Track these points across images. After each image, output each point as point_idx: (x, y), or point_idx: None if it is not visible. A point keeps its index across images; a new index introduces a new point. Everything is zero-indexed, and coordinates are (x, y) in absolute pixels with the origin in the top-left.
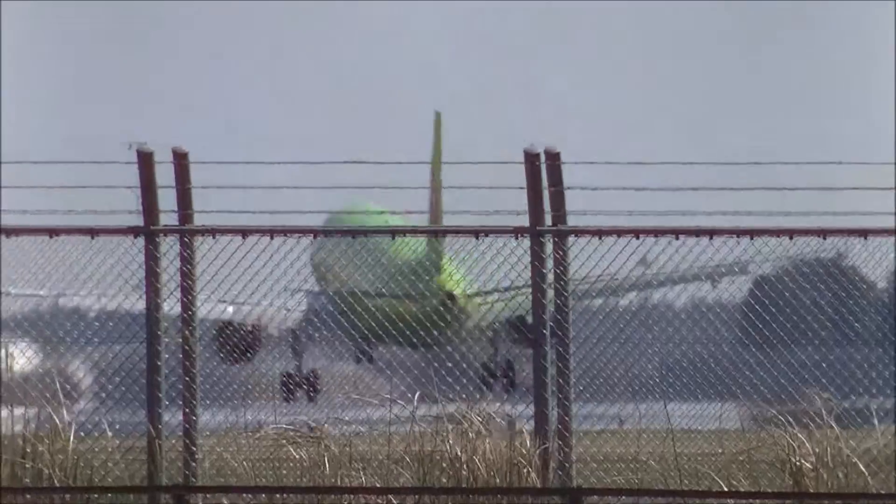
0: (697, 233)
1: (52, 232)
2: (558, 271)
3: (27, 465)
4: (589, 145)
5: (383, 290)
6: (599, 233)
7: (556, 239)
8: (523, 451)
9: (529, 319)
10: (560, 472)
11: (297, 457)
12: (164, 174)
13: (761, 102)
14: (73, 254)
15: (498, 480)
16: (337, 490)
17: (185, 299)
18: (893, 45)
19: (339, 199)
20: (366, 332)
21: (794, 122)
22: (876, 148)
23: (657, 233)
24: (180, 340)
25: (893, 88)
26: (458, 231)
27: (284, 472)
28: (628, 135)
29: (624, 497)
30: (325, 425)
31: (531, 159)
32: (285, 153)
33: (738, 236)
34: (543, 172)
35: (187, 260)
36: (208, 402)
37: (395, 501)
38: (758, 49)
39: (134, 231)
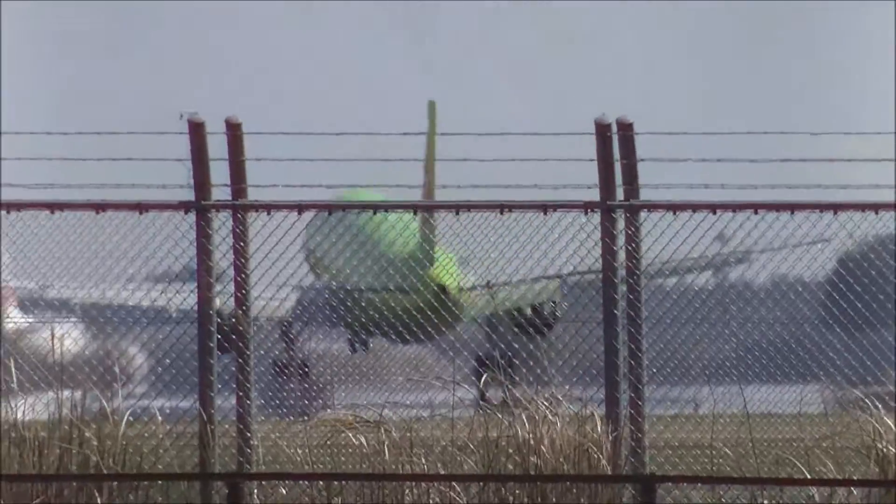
0: (778, 207)
1: (99, 207)
2: (630, 248)
3: (74, 451)
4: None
5: (375, 284)
6: (674, 207)
7: (629, 214)
8: (594, 436)
9: (528, 311)
10: (632, 459)
11: (356, 443)
12: (216, 147)
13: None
14: (120, 230)
15: (567, 467)
16: (397, 477)
17: (238, 278)
18: (894, 45)
19: (399, 170)
20: (359, 323)
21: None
22: None
23: (735, 207)
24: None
25: (894, 88)
26: (525, 206)
27: (343, 458)
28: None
29: (699, 485)
30: (385, 410)
31: (602, 130)
32: (346, 125)
33: (820, 211)
34: (615, 144)
35: (241, 237)
36: (262, 385)
37: (458, 489)
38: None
39: (185, 206)
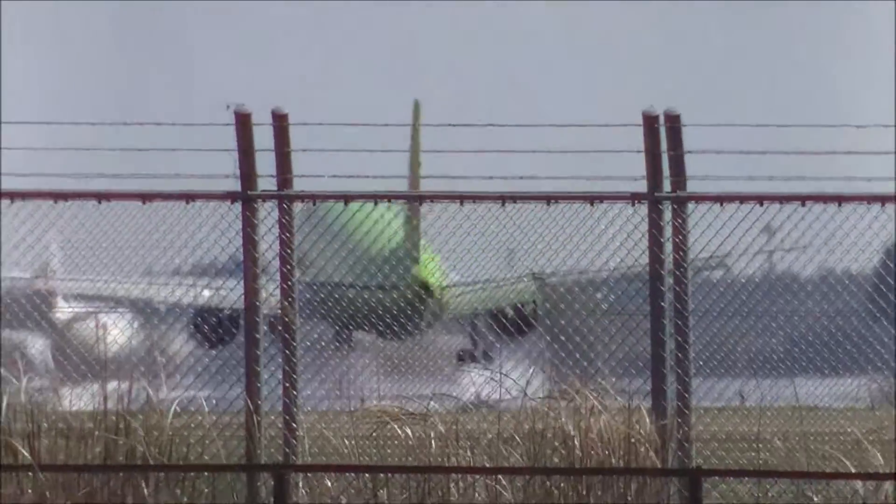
0: (825, 199)
1: (146, 198)
2: (677, 240)
3: (120, 442)
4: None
5: (357, 281)
6: (721, 199)
7: (676, 206)
8: (640, 429)
9: (510, 312)
10: (678, 452)
11: (402, 435)
12: (261, 137)
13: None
14: (168, 220)
15: (613, 460)
16: (443, 469)
17: (283, 269)
18: (894, 45)
19: (443, 161)
20: (342, 320)
21: None
22: None
23: (782, 199)
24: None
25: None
26: (572, 197)
27: (389, 450)
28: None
29: (745, 478)
30: (431, 402)
31: (649, 122)
32: (387, 116)
33: (868, 203)
34: (662, 136)
35: (286, 227)
36: (308, 376)
37: (504, 482)
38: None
39: (231, 196)
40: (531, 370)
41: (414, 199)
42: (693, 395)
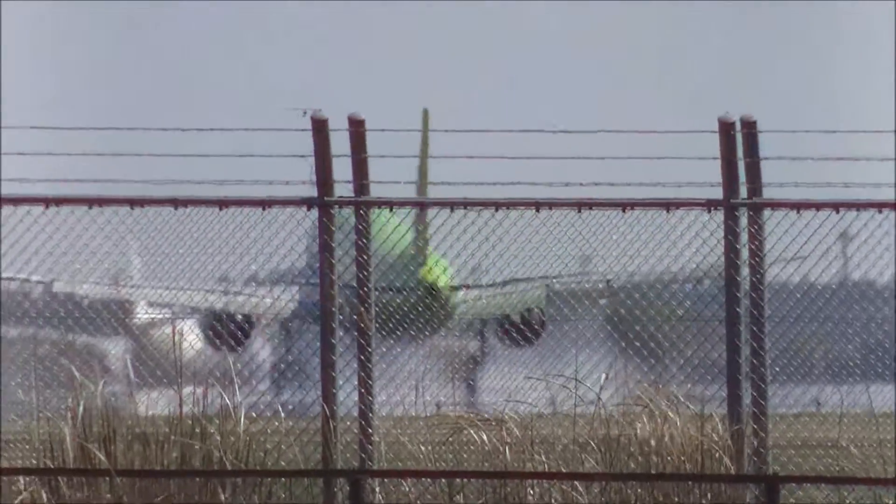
0: None
1: (223, 204)
2: (753, 247)
3: (197, 447)
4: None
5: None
6: (797, 206)
7: (752, 212)
8: (714, 435)
9: (516, 318)
10: (755, 458)
11: (478, 440)
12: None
13: None
14: (244, 226)
15: (689, 466)
16: (519, 475)
17: (360, 275)
18: (894, 45)
19: (523, 167)
20: (348, 324)
21: None
22: None
23: (859, 206)
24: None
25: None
26: (648, 204)
27: (464, 456)
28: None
29: (822, 485)
30: (507, 408)
31: (726, 128)
32: (467, 122)
33: None
34: (738, 142)
35: (363, 233)
36: (384, 381)
37: (580, 488)
38: None
39: (307, 203)
40: (605, 376)
41: (490, 206)
42: (769, 401)
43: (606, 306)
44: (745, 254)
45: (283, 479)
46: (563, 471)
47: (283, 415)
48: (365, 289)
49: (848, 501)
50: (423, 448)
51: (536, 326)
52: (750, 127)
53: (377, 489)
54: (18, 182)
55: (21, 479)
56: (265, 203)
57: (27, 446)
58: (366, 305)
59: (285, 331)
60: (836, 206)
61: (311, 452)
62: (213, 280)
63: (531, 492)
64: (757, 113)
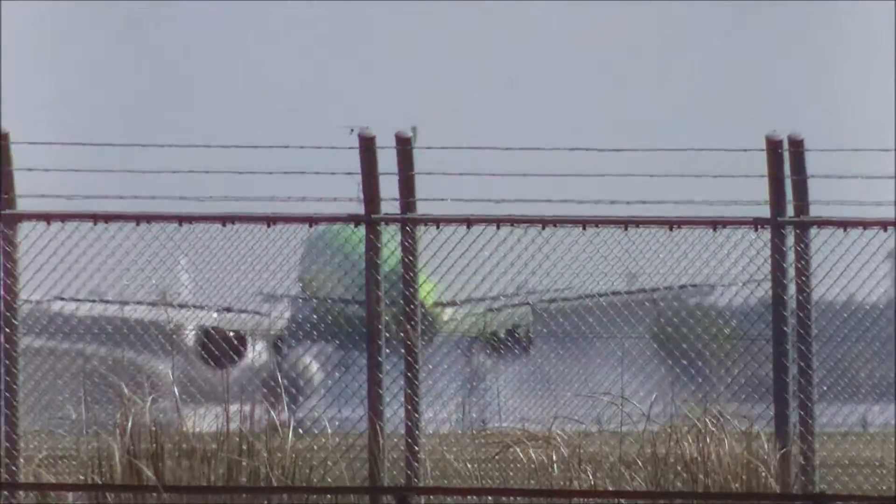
0: None
1: (270, 220)
2: (800, 265)
3: (244, 463)
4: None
5: (354, 298)
6: (844, 224)
7: (798, 230)
8: (761, 454)
9: (502, 335)
10: (801, 477)
11: (525, 458)
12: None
13: None
14: (291, 243)
15: (735, 485)
16: (566, 493)
17: (407, 292)
18: (894, 45)
19: (567, 184)
20: (342, 339)
21: None
22: None
23: None
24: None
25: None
26: (695, 222)
27: (511, 473)
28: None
29: None
30: (553, 426)
31: (773, 146)
32: (510, 139)
33: None
34: (786, 160)
35: (410, 250)
36: (431, 398)
37: None
38: None
39: (355, 219)
40: (654, 395)
41: (537, 223)
42: (816, 420)
43: (652, 324)
44: (791, 272)
45: (329, 495)
46: (610, 489)
47: (329, 431)
48: (412, 306)
49: None
50: (468, 465)
51: (524, 343)
52: (797, 145)
53: None
54: (56, 198)
55: (69, 494)
56: (312, 220)
57: (75, 462)
58: (412, 323)
59: (275, 346)
60: (883, 225)
61: (357, 469)
62: (261, 297)
63: None
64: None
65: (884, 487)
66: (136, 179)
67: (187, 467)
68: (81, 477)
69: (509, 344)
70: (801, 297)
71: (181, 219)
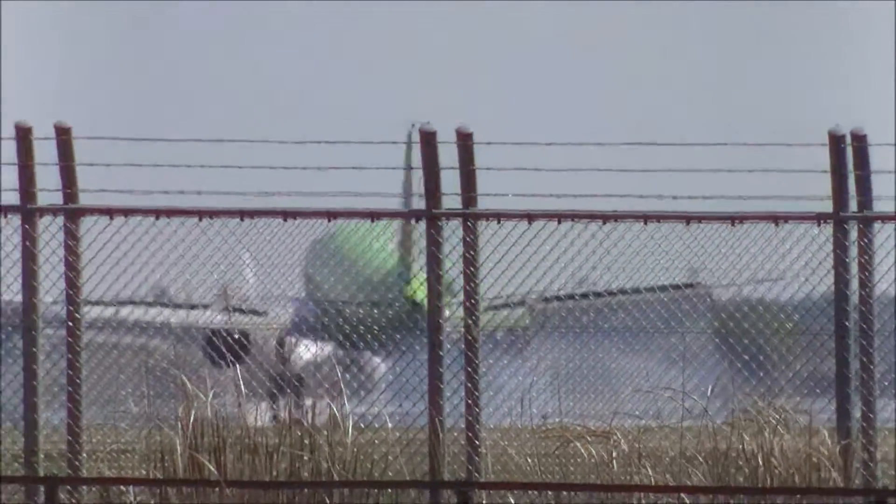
0: None
1: (331, 215)
2: (863, 260)
3: (305, 458)
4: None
5: (355, 298)
6: None
7: (861, 225)
8: (823, 449)
9: (498, 335)
10: (863, 472)
11: (585, 453)
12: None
13: None
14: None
15: (797, 479)
16: (626, 488)
17: (467, 287)
18: (894, 45)
19: (628, 179)
20: (342, 337)
21: None
22: None
23: None
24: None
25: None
26: (757, 217)
27: (571, 468)
28: None
29: None
30: (613, 421)
31: (836, 141)
32: (570, 134)
33: None
34: (849, 155)
35: (471, 245)
36: (491, 393)
37: (687, 501)
38: None
39: (416, 215)
40: (714, 390)
41: (598, 218)
42: (878, 414)
43: (713, 319)
44: (854, 268)
45: (389, 490)
46: (671, 484)
47: (390, 426)
48: (472, 300)
49: None
50: (529, 460)
51: (520, 344)
52: (860, 140)
53: (484, 500)
54: (118, 193)
55: (130, 488)
56: (374, 215)
57: (136, 456)
58: (473, 318)
59: (278, 345)
60: None
61: (417, 463)
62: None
63: None
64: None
65: None
66: (196, 175)
67: (249, 462)
68: (143, 471)
69: (508, 343)
70: (863, 293)
71: (243, 214)
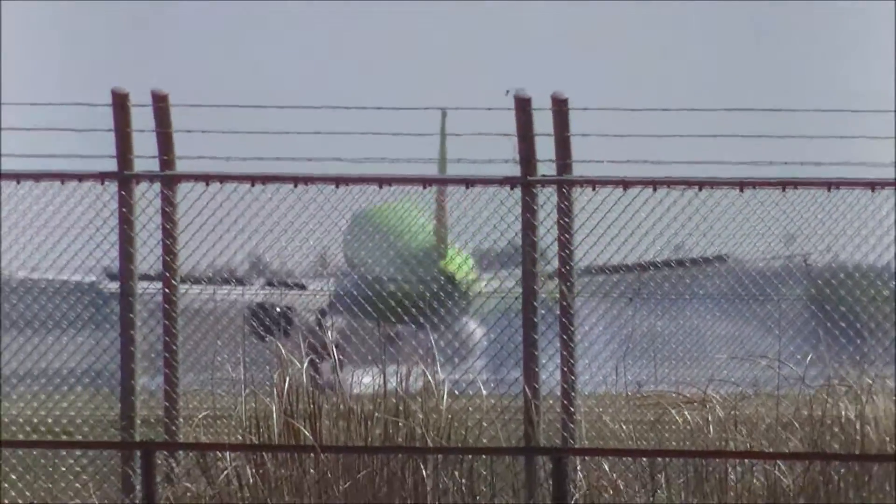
0: None
1: (426, 182)
2: None
3: (400, 424)
4: None
5: (395, 275)
6: None
7: None
8: None
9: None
10: None
11: (680, 420)
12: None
13: None
14: (448, 205)
15: (893, 446)
16: (722, 454)
17: (562, 253)
18: (893, 45)
19: (722, 145)
20: (379, 314)
21: None
22: None
23: None
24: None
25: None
26: (853, 183)
27: (666, 435)
28: None
29: None
30: (709, 389)
31: None
32: (664, 100)
33: None
34: None
35: (566, 212)
36: (586, 361)
37: (783, 467)
38: None
39: (510, 181)
40: (810, 357)
41: (694, 185)
42: None
43: (809, 286)
44: None
45: (484, 456)
46: (767, 450)
47: (484, 392)
48: (567, 267)
49: None
50: (623, 427)
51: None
52: None
53: (578, 467)
54: (218, 158)
55: (227, 454)
56: (468, 182)
57: (232, 422)
58: (568, 284)
59: (319, 319)
60: None
61: (512, 430)
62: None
63: (733, 471)
64: None
65: None
66: (293, 141)
67: (344, 428)
68: (239, 437)
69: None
70: None
71: (339, 181)
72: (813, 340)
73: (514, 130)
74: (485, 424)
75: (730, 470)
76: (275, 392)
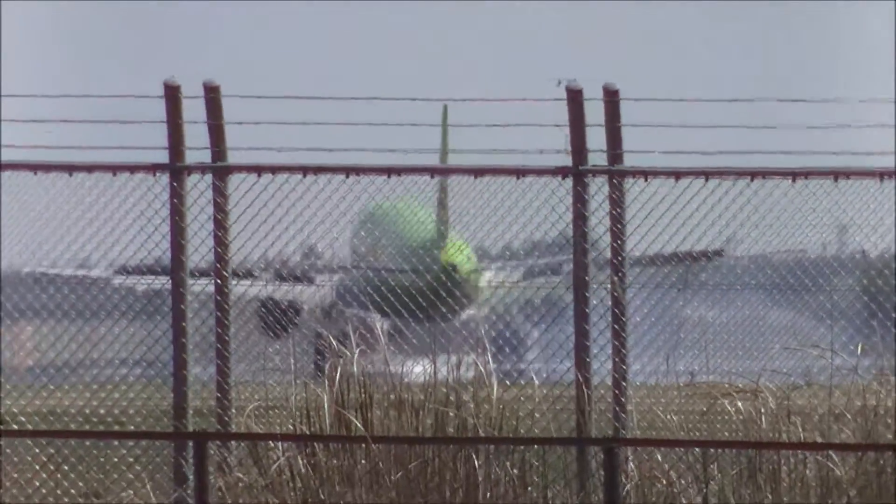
0: None
1: (477, 172)
2: None
3: (451, 414)
4: None
5: (395, 266)
6: None
7: None
8: None
9: (537, 301)
10: None
11: (732, 411)
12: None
13: None
14: (497, 195)
15: None
16: (774, 445)
17: (614, 244)
18: (894, 45)
19: (778, 136)
20: (382, 306)
21: None
22: None
23: None
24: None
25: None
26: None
27: (718, 425)
28: None
29: None
30: (761, 378)
31: None
32: (713, 91)
33: None
34: None
35: (617, 202)
36: (639, 350)
37: (835, 458)
38: None
39: (562, 172)
40: (861, 346)
41: (745, 175)
42: None
43: (862, 276)
44: None
45: (536, 446)
46: (819, 441)
47: (536, 383)
48: (619, 257)
49: None
50: (675, 417)
51: (555, 313)
52: None
53: (630, 457)
54: (270, 149)
55: (279, 444)
56: (519, 172)
57: (284, 412)
58: (619, 275)
59: (325, 314)
60: None
61: (563, 420)
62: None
63: (785, 462)
64: None
65: None
66: (343, 132)
67: (395, 418)
68: (291, 427)
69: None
70: None
71: (390, 171)
72: (866, 330)
73: (562, 121)
74: (536, 415)
75: (782, 461)
76: (326, 382)
